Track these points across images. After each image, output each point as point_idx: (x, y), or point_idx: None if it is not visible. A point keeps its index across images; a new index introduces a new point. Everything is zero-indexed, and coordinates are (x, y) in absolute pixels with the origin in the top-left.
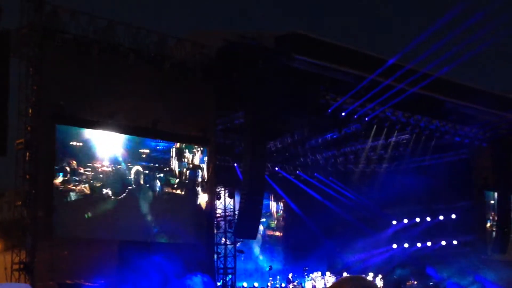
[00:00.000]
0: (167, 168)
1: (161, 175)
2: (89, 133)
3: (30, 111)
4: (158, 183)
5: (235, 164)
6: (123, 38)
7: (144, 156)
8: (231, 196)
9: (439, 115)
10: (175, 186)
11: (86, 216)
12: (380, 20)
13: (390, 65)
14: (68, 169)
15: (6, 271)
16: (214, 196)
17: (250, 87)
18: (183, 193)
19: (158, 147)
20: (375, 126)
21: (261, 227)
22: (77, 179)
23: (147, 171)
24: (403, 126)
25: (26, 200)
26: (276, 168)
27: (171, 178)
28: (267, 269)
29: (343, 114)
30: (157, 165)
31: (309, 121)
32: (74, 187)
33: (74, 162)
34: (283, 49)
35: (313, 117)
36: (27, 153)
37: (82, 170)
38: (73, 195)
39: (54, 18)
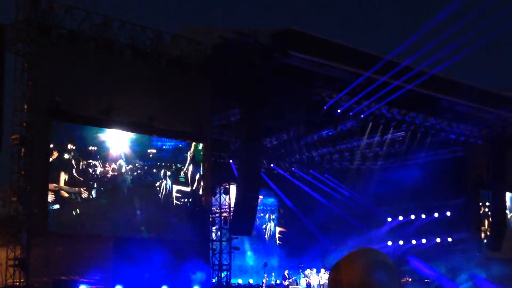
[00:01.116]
0: (174, 167)
1: (169, 173)
2: (103, 136)
3: (25, 107)
4: (168, 182)
5: (231, 161)
6: (119, 34)
7: (151, 156)
8: (227, 192)
9: (434, 113)
10: (183, 184)
11: (74, 212)
12: (376, 17)
13: (385, 62)
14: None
15: (1, 267)
16: (209, 193)
17: (245, 83)
18: (188, 190)
19: (164, 147)
20: (370, 123)
21: (271, 225)
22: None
23: (154, 170)
24: (398, 123)
25: (21, 196)
26: (272, 165)
27: (180, 177)
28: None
29: (339, 111)
30: (163, 164)
31: (305, 118)
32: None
33: (84, 161)
34: (279, 46)
35: (309, 114)
36: (22, 149)
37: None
38: (70, 193)
39: (50, 13)
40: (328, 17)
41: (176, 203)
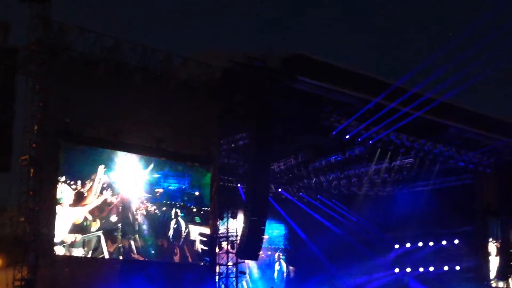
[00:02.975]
0: (180, 205)
1: (177, 211)
2: (113, 175)
3: (35, 128)
4: (180, 221)
5: (239, 185)
6: (129, 57)
7: (158, 195)
8: (234, 216)
9: (443, 140)
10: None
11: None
12: (385, 44)
13: (394, 88)
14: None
15: (7, 287)
16: (217, 216)
17: (254, 108)
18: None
19: (170, 187)
20: (379, 150)
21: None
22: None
23: (164, 208)
24: (407, 150)
25: (29, 216)
26: (279, 190)
27: (195, 217)
28: None
29: (347, 136)
30: (169, 202)
31: (313, 143)
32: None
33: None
34: (287, 71)
35: (317, 139)
36: (31, 170)
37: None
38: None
39: (61, 35)
40: (337, 43)
41: (201, 248)
